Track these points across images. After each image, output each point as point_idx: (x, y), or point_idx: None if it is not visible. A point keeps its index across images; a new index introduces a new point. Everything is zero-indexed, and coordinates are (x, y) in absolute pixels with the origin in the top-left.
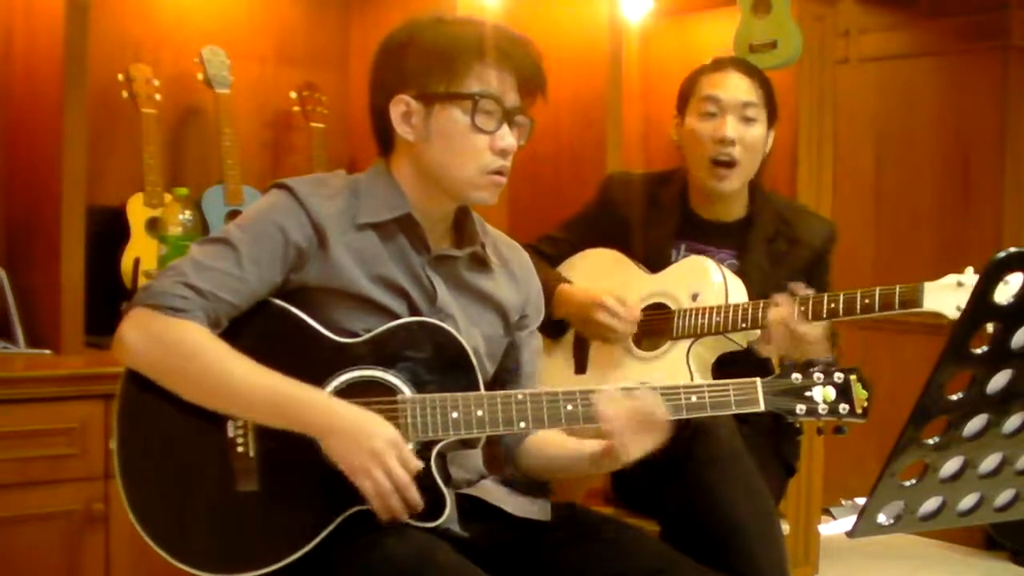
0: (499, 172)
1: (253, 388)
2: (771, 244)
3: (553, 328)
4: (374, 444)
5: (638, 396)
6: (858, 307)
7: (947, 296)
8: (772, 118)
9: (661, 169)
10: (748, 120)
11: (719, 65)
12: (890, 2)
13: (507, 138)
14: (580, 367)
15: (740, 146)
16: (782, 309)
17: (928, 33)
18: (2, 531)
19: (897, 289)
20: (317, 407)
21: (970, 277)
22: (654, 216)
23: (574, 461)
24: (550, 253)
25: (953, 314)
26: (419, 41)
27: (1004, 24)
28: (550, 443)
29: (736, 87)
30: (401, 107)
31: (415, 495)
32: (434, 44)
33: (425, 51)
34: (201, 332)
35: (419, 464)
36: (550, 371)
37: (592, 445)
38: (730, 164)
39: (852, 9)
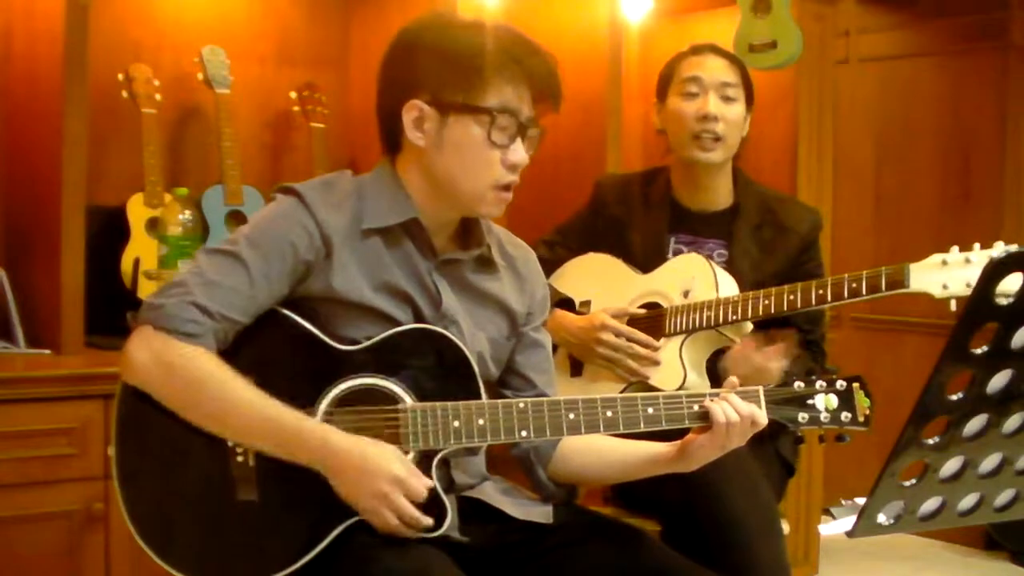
0: (508, 187)
1: (263, 423)
2: (758, 232)
3: None
4: (379, 486)
5: (745, 402)
6: (846, 292)
7: (932, 275)
8: (749, 101)
9: (647, 168)
10: (728, 99)
11: (697, 50)
12: (890, 2)
13: (519, 152)
14: (575, 369)
15: (723, 122)
16: (739, 349)
17: (928, 33)
18: (2, 531)
19: (883, 271)
20: (321, 446)
21: (954, 255)
22: (645, 213)
23: (632, 464)
24: (546, 257)
25: (939, 293)
26: (438, 45)
27: (1004, 24)
28: (599, 446)
29: (716, 68)
30: (414, 112)
31: (423, 522)
32: (454, 51)
33: (444, 57)
34: (210, 360)
35: (427, 488)
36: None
37: (658, 447)
38: (715, 139)
39: (852, 9)
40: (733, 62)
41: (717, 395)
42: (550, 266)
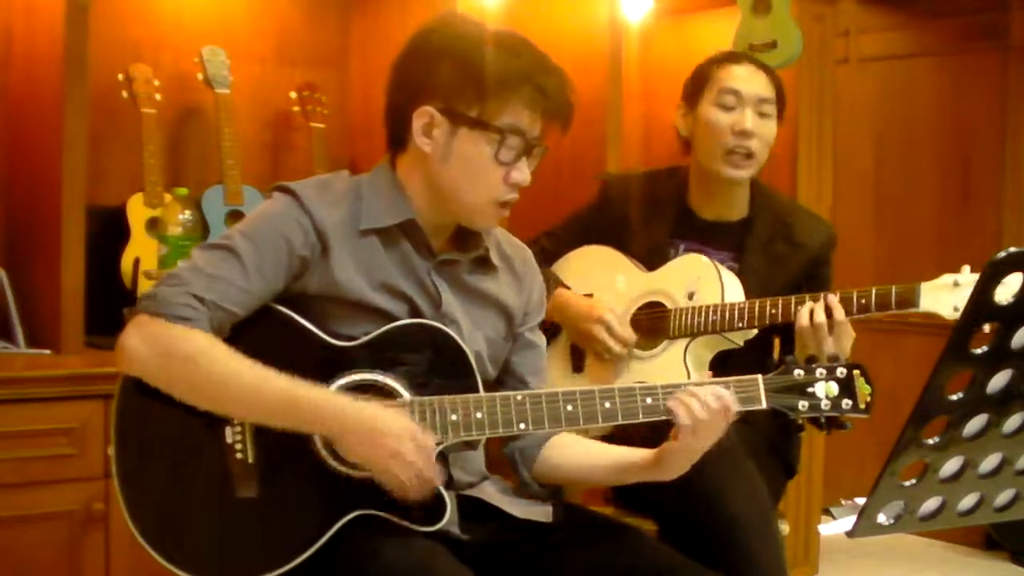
0: (507, 203)
1: (260, 392)
2: (769, 246)
3: (548, 329)
4: (391, 442)
5: (709, 391)
6: (855, 307)
7: (943, 296)
8: (781, 116)
9: (658, 168)
10: (764, 115)
11: (735, 58)
12: (890, 2)
13: (523, 171)
14: (577, 366)
15: (757, 139)
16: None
17: (928, 33)
18: (2, 531)
19: (893, 289)
20: (328, 408)
21: (966, 276)
22: (652, 215)
23: (609, 469)
24: (550, 249)
25: (950, 314)
26: (457, 54)
27: (1004, 24)
28: (581, 450)
29: (756, 82)
30: (425, 118)
31: (434, 477)
32: (474, 64)
33: (463, 68)
34: (206, 337)
35: (435, 442)
36: (547, 370)
37: (637, 453)
38: (748, 156)
39: (852, 9)
40: (771, 77)
41: (720, 383)
42: (552, 258)
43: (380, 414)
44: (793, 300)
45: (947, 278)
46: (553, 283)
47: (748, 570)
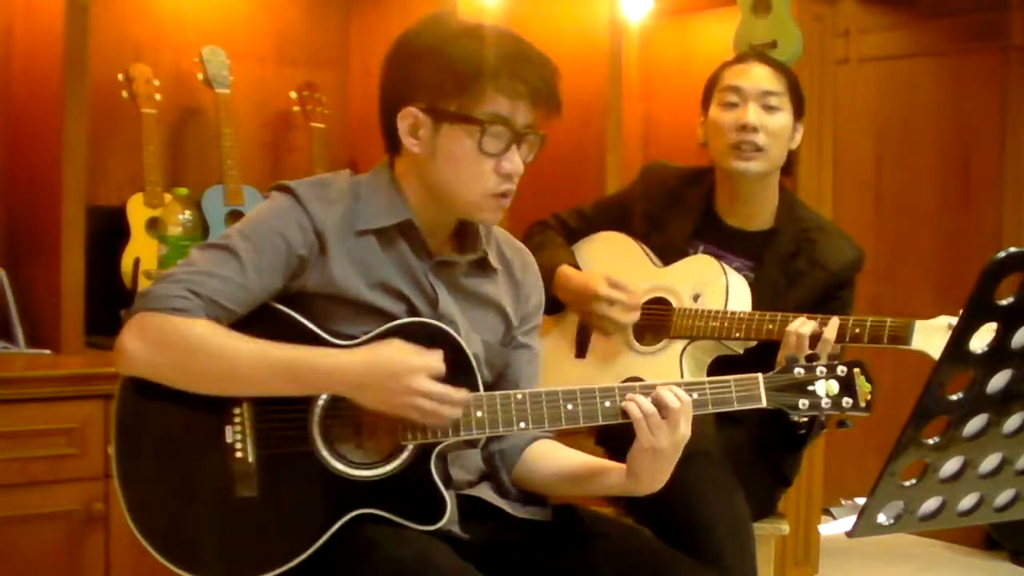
0: (504, 195)
1: (262, 364)
2: (790, 262)
3: (553, 304)
4: (400, 383)
5: (664, 388)
6: (847, 336)
7: (936, 337)
8: (798, 110)
9: (697, 165)
10: (770, 108)
11: (741, 57)
12: (890, 2)
13: (514, 160)
14: (580, 351)
15: (763, 133)
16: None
17: (928, 33)
18: (2, 531)
19: (888, 322)
20: (330, 368)
21: None
22: (676, 213)
23: (578, 479)
24: (575, 227)
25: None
26: (435, 52)
27: (1004, 24)
28: (557, 459)
29: (757, 76)
30: (409, 119)
31: (457, 395)
32: (450, 58)
33: (440, 64)
34: (201, 323)
35: (441, 365)
36: (550, 352)
37: (611, 464)
38: (756, 149)
39: (852, 9)
40: (779, 70)
41: (720, 382)
42: (576, 236)
43: (380, 358)
44: (790, 318)
45: (942, 320)
46: (563, 260)
47: (718, 570)
